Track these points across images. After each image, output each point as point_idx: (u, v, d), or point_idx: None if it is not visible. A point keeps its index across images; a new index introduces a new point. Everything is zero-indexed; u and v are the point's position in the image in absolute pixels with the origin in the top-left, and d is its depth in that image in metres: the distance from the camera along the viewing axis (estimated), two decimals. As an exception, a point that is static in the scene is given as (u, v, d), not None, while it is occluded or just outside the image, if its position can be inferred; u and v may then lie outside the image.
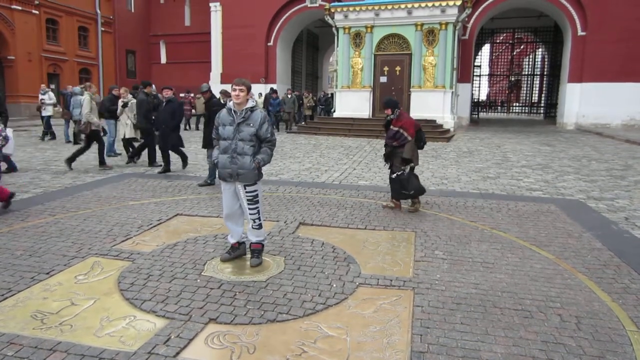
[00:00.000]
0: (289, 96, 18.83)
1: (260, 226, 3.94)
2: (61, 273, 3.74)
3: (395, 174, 5.83)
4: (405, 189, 5.75)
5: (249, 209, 3.90)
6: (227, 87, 21.81)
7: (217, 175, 4.11)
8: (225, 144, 3.85)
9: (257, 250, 4.02)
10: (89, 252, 4.21)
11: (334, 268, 3.92)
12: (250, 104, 3.85)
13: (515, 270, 3.94)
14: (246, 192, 3.88)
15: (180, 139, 8.64)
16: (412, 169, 5.86)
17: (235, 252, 4.08)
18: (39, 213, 5.52)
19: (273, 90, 19.44)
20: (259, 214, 3.94)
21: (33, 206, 5.84)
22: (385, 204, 6.08)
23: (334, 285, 3.57)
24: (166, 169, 8.54)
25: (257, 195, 3.92)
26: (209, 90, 7.74)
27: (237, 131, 3.80)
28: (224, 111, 3.95)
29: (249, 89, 3.82)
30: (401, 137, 5.75)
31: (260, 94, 21.11)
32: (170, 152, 8.54)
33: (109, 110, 10.36)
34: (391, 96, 5.03)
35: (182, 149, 8.75)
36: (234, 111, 3.84)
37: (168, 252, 4.25)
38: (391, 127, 5.84)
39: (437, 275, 3.80)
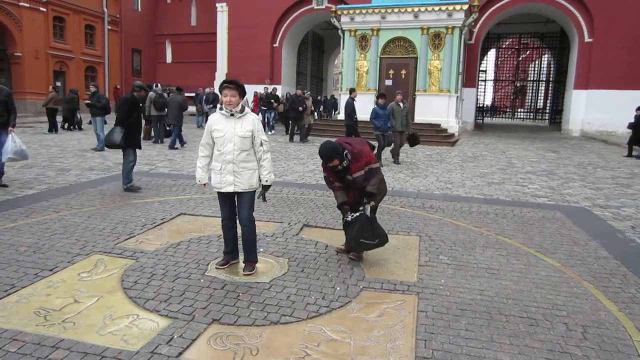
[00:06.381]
0: (401, 105, 10.80)
1: None
2: (65, 270, 3.74)
3: (351, 216, 4.04)
4: (367, 235, 3.94)
5: None
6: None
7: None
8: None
9: None
10: (93, 250, 4.21)
11: (338, 271, 3.90)
12: None
13: (520, 277, 3.91)
14: None
15: None
16: (374, 209, 4.12)
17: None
18: (43, 209, 5.53)
19: (381, 95, 10.78)
20: None
21: (37, 202, 5.84)
22: (340, 248, 4.46)
23: (338, 289, 3.55)
24: None
25: None
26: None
27: None
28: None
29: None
30: (372, 172, 4.04)
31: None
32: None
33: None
34: (326, 142, 3.92)
35: None
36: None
37: (172, 251, 4.24)
38: (352, 175, 4.01)
39: (442, 280, 3.78)
